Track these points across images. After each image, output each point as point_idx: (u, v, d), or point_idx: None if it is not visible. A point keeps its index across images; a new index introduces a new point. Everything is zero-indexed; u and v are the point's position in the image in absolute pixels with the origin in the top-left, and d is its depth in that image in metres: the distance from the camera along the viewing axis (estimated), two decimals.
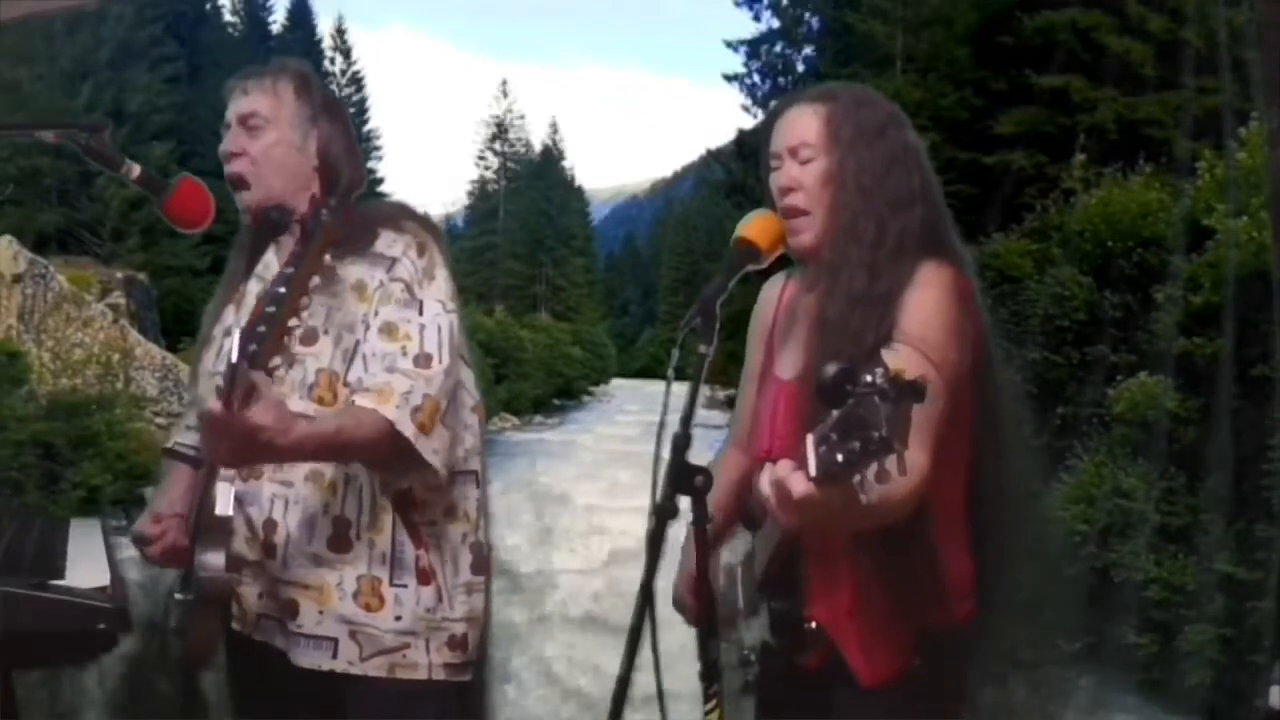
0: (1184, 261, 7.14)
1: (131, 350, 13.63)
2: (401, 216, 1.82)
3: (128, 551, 1.94)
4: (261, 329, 1.58)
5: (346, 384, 1.72)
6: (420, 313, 1.73)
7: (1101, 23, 14.39)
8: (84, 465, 9.71)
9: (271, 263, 1.85)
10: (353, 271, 1.73)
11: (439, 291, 1.77)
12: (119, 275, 17.08)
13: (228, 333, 1.85)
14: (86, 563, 1.81)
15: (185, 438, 1.96)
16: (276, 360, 1.69)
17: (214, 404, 1.51)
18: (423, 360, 1.70)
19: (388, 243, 1.75)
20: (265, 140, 1.80)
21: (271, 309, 1.59)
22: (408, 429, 1.64)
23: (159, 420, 12.22)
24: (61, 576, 1.70)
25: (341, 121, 1.89)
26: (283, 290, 1.61)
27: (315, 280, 1.70)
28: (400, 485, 1.75)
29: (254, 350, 1.56)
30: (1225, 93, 9.56)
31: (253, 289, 1.85)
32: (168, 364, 13.83)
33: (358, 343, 1.73)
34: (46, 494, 9.11)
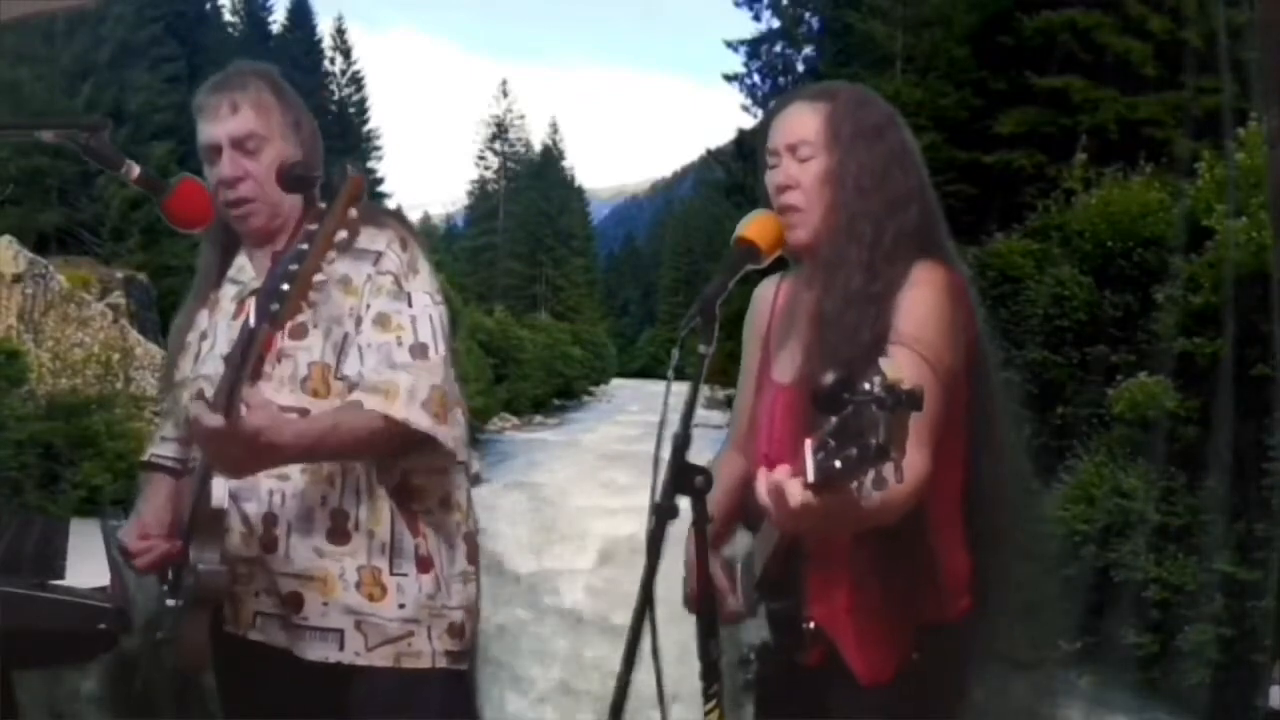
0: (1184, 261, 7.13)
1: (131, 350, 13.61)
2: (380, 214, 1.83)
3: None
4: (284, 287, 1.46)
5: (341, 377, 1.72)
6: (410, 304, 1.74)
7: (1101, 23, 14.38)
8: (84, 465, 9.69)
9: (245, 266, 1.85)
10: (337, 268, 1.69)
11: (425, 284, 1.78)
12: (119, 275, 17.05)
13: (204, 336, 1.85)
14: (86, 563, 1.81)
15: (163, 449, 1.95)
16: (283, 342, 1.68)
17: (209, 417, 1.48)
18: (419, 351, 1.71)
19: (369, 238, 1.74)
20: (266, 159, 1.77)
21: (294, 266, 1.47)
22: (423, 422, 1.65)
23: (159, 420, 12.20)
24: (61, 576, 1.70)
25: (308, 115, 1.88)
26: (305, 246, 1.49)
27: (341, 235, 1.63)
28: (398, 474, 1.75)
29: (276, 310, 1.46)
30: (1225, 93, 9.56)
31: (228, 293, 1.85)
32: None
33: (347, 335, 1.73)
34: (46, 494, 9.09)
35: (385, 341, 1.71)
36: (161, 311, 17.76)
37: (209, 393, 1.75)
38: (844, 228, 1.61)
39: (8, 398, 9.61)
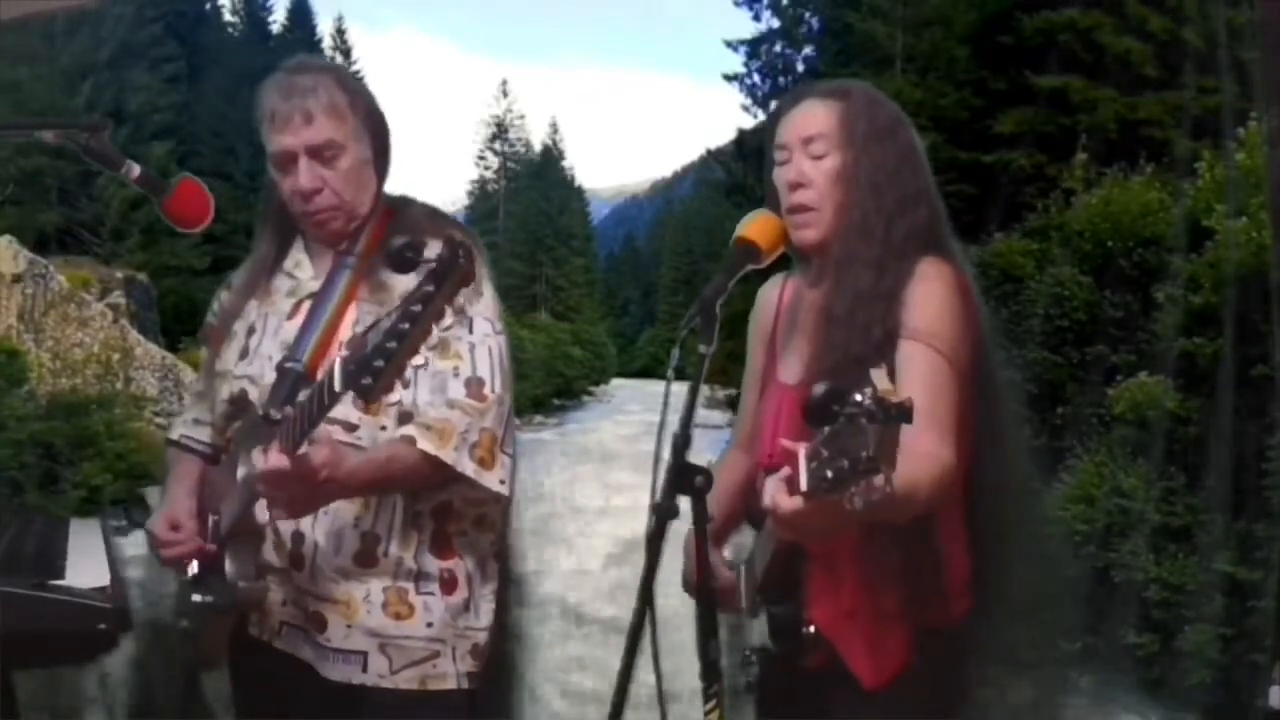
0: (1184, 261, 7.12)
1: (131, 350, 13.64)
2: (446, 224, 1.80)
3: (128, 551, 1.93)
4: (378, 364, 1.37)
5: (394, 401, 1.69)
6: (470, 330, 1.71)
7: (1101, 23, 14.42)
8: (84, 465, 9.72)
9: (303, 262, 1.81)
10: (401, 281, 1.66)
11: (487, 309, 1.75)
12: (119, 275, 17.07)
13: (251, 331, 1.80)
14: (86, 563, 1.81)
15: (195, 431, 1.90)
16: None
17: (273, 458, 1.47)
18: (475, 387, 1.68)
19: (435, 252, 1.65)
20: (343, 165, 1.73)
21: (392, 344, 1.38)
22: (469, 468, 1.64)
23: (159, 420, 12.21)
24: (61, 576, 1.70)
25: (375, 104, 1.82)
26: (406, 326, 1.39)
27: (448, 320, 1.63)
28: (440, 498, 1.73)
29: (367, 385, 1.38)
30: (1225, 93, 9.56)
31: (281, 287, 1.81)
32: (168, 364, 13.84)
33: None
34: (46, 494, 9.11)
35: (442, 370, 1.68)
36: (162, 311, 17.79)
37: (253, 395, 1.74)
38: (856, 225, 1.60)
39: (8, 398, 9.64)
